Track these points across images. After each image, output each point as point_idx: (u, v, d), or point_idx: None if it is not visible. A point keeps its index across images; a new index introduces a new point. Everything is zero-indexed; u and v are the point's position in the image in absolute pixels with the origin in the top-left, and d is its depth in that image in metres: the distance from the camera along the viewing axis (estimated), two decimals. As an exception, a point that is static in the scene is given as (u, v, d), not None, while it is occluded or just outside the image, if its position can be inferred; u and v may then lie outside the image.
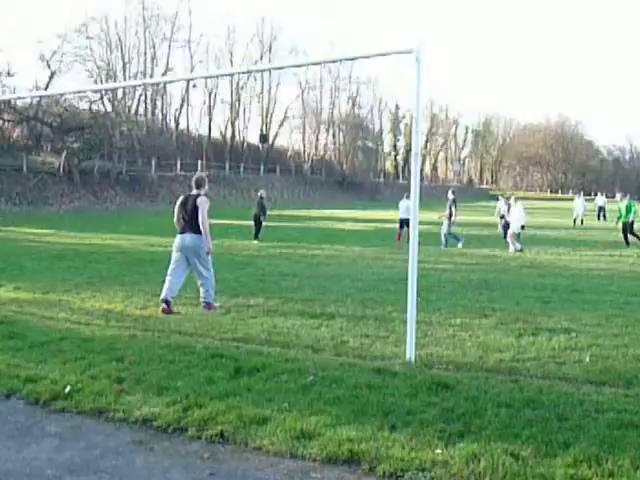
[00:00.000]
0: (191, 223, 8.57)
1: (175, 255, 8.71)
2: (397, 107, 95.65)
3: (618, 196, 23.74)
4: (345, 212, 38.77)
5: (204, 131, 66.81)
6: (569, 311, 8.82)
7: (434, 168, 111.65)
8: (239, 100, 68.93)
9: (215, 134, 67.92)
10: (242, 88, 68.70)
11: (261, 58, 68.69)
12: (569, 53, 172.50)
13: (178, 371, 5.64)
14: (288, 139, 78.16)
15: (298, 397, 4.98)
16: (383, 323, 7.85)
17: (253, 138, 72.15)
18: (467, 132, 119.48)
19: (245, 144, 69.63)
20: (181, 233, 8.69)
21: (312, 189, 66.35)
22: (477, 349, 6.64)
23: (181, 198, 8.91)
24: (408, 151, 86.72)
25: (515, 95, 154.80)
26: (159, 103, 61.35)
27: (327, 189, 68.31)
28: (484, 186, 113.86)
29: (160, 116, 61.86)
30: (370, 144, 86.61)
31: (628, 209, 21.29)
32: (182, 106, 64.27)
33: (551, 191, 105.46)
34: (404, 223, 19.96)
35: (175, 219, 8.75)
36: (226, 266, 13.42)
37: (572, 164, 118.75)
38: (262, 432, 4.32)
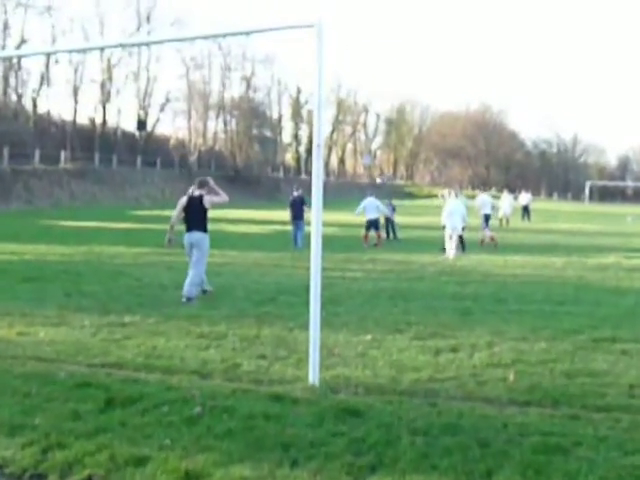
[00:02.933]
0: (198, 221, 10.86)
1: (189, 256, 10.99)
2: (298, 90, 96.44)
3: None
4: (239, 212, 38.64)
5: (69, 116, 64.85)
6: (492, 323, 9.14)
7: (341, 161, 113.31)
8: (111, 79, 67.34)
9: (82, 120, 66.10)
10: (115, 65, 67.25)
11: (138, 30, 67.52)
12: (489, 36, 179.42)
13: (36, 405, 5.44)
14: (171, 126, 77.39)
15: (182, 432, 4.90)
16: (283, 342, 7.87)
17: (129, 125, 70.81)
18: (378, 120, 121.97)
19: (119, 132, 68.16)
20: (189, 231, 10.92)
21: (200, 185, 65.91)
22: (390, 369, 6.77)
23: (184, 199, 11.04)
24: (312, 141, 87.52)
25: (432, 80, 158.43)
26: (12, 81, 59.04)
27: (217, 185, 67.93)
28: (398, 182, 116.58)
29: (14, 97, 59.53)
30: (268, 133, 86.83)
31: None
32: (41, 86, 62.14)
33: (472, 187, 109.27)
34: (372, 224, 21.84)
35: (175, 215, 11.11)
36: (96, 276, 13.07)
37: (495, 157, 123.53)
38: (140, 475, 4.22)
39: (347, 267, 15.75)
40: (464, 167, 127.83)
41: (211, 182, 11.26)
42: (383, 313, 9.80)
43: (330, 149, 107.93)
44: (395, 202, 26.58)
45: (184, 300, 10.53)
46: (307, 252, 6.55)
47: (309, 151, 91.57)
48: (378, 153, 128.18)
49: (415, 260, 17.55)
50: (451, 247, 18.74)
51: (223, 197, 11.24)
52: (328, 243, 18.70)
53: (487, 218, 24.36)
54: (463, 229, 19.32)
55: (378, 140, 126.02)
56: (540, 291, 12.34)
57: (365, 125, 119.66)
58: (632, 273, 15.59)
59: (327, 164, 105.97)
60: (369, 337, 8.14)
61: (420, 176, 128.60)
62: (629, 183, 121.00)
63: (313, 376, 6.22)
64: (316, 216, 6.33)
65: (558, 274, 15.20)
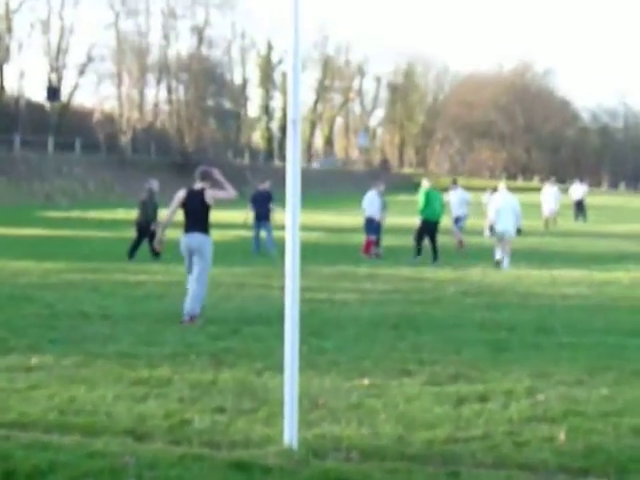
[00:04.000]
0: (198, 221, 11.80)
1: (187, 261, 11.95)
2: (269, 46, 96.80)
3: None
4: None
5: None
6: (534, 362, 9.17)
7: (328, 142, 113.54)
8: (10, 30, 67.20)
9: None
10: (15, 11, 67.10)
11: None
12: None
13: None
14: (94, 95, 77.11)
15: (110, 515, 4.87)
16: (248, 389, 7.86)
17: (36, 93, 70.71)
18: (379, 86, 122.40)
19: (22, 102, 67.92)
20: (187, 232, 11.80)
21: (135, 176, 65.64)
22: (395, 425, 6.75)
23: (182, 193, 11.93)
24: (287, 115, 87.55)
25: (450, 32, 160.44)
26: None
27: (160, 176, 67.61)
28: (407, 170, 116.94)
29: None
30: (228, 105, 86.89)
31: None
32: None
33: (508, 177, 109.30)
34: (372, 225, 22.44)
35: (168, 213, 12.13)
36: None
37: (539, 135, 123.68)
38: None
39: (336, 286, 15.76)
40: (496, 149, 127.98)
41: (216, 173, 12.04)
42: (385, 349, 9.81)
43: (313, 125, 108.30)
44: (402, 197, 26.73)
45: (186, 319, 11.51)
46: (282, 266, 6.55)
47: (284, 129, 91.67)
48: (378, 131, 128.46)
49: (429, 276, 17.59)
50: (503, 255, 19.80)
51: (230, 192, 12.08)
52: (310, 253, 18.74)
53: (457, 219, 24.92)
54: (519, 232, 20.31)
55: (378, 113, 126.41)
56: (600, 318, 12.41)
57: (361, 93, 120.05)
58: None
59: (309, 146, 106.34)
60: (366, 382, 8.14)
61: (435, 162, 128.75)
62: None
63: (290, 436, 6.20)
64: (292, 217, 6.28)
65: (625, 294, 15.26)
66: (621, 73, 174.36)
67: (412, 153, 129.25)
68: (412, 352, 9.63)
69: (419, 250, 20.84)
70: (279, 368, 6.90)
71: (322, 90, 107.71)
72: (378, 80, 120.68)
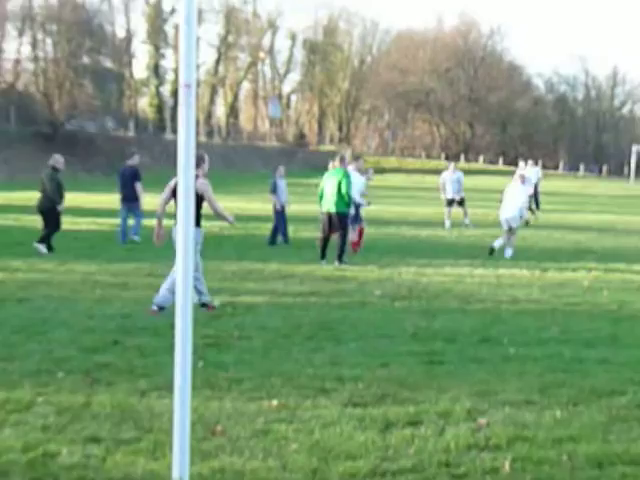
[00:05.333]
0: None
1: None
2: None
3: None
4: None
5: None
6: (476, 378, 9.29)
7: (232, 112, 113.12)
8: None
9: None
10: None
11: None
12: None
13: None
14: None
15: None
16: (129, 414, 7.80)
17: None
18: (294, 45, 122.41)
19: None
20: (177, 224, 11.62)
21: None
22: (309, 455, 6.78)
23: (173, 181, 12.52)
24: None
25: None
26: None
27: (22, 149, 66.68)
28: (327, 147, 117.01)
29: None
30: (109, 64, 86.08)
31: None
32: None
33: (447, 157, 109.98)
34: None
35: (160, 203, 13.18)
36: None
37: (484, 107, 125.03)
38: None
39: (241, 287, 15.73)
40: (434, 123, 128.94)
41: (205, 165, 13.46)
42: (299, 363, 9.82)
43: (214, 91, 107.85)
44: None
45: (154, 309, 12.79)
46: (170, 262, 6.51)
47: (177, 94, 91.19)
48: (293, 99, 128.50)
49: (352, 276, 17.63)
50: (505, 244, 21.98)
51: (229, 220, 13.78)
52: (210, 248, 18.62)
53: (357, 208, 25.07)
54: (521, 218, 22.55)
55: (293, 77, 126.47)
56: (555, 325, 12.57)
57: (272, 52, 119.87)
58: None
59: (209, 116, 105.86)
60: (275, 403, 8.15)
61: (362, 138, 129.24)
62: None
63: (180, 470, 6.14)
64: (184, 203, 6.24)
65: (584, 298, 15.49)
66: (582, 34, 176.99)
67: (334, 127, 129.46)
68: (330, 367, 9.66)
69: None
70: (168, 388, 6.86)
71: (225, 48, 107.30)
72: (293, 37, 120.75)
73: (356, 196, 21.73)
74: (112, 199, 28.72)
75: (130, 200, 22.31)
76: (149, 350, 10.32)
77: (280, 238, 23.90)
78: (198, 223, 12.62)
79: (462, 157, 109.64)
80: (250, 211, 33.21)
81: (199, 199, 12.60)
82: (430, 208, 38.89)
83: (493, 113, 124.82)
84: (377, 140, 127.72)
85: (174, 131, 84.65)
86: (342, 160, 20.12)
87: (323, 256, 19.72)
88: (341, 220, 19.50)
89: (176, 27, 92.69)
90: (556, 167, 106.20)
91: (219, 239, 22.72)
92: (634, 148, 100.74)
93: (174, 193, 12.20)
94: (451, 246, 22.18)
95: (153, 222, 13.82)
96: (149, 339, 10.95)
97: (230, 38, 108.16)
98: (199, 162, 12.66)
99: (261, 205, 33.58)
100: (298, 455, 6.80)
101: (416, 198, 51.46)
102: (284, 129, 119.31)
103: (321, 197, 19.82)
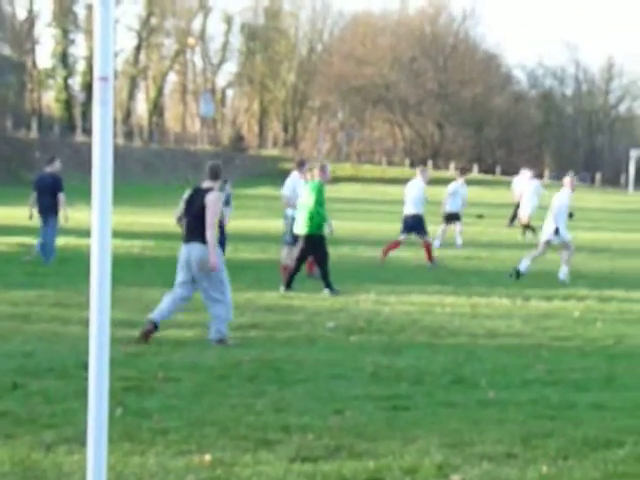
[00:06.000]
0: (198, 229, 13.62)
1: (180, 274, 14.15)
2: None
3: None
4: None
5: None
6: (448, 427, 9.20)
7: (156, 110, 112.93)
8: None
9: None
10: None
11: None
12: None
13: None
14: None
15: None
16: (32, 472, 7.61)
17: None
18: (229, 30, 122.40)
19: None
20: (186, 242, 13.86)
21: None
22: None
23: (188, 192, 14.04)
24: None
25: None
26: None
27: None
28: (270, 151, 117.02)
29: None
30: (7, 50, 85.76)
31: None
32: None
33: (412, 164, 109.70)
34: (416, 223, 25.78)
35: (175, 219, 14.45)
36: None
37: (456, 105, 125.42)
38: None
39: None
40: (396, 123, 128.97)
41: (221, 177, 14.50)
42: (237, 410, 9.75)
43: (134, 84, 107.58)
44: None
45: (213, 343, 13.86)
46: (86, 289, 6.45)
47: (89, 88, 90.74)
48: (229, 94, 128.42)
49: (300, 305, 17.70)
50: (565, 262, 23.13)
51: (210, 221, 13.83)
52: (130, 271, 18.51)
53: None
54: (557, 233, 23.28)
55: (229, 68, 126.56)
56: (540, 364, 12.61)
57: (203, 38, 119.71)
58: None
59: (128, 114, 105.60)
60: (208, 458, 7.98)
61: (311, 140, 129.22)
62: None
63: None
64: (100, 218, 6.20)
65: (575, 331, 15.62)
66: (571, 19, 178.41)
67: (278, 127, 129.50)
68: (274, 414, 9.54)
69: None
70: (79, 441, 6.80)
71: (147, 33, 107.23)
72: (229, 21, 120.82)
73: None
74: (12, 213, 28.58)
75: (48, 212, 22.11)
76: (56, 395, 10.08)
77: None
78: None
79: (430, 164, 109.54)
80: (177, 228, 33.00)
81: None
82: (392, 225, 38.95)
83: (466, 112, 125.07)
84: (329, 143, 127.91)
85: (86, 132, 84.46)
86: (323, 170, 20.42)
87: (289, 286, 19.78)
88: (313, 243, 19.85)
89: (89, 8, 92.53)
90: (541, 175, 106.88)
91: (140, 261, 22.64)
92: (632, 153, 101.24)
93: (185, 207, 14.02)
94: (417, 270, 22.24)
95: (68, 241, 13.76)
96: (56, 382, 10.73)
97: (153, 21, 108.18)
98: (217, 174, 14.05)
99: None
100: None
101: (375, 212, 51.82)
102: (218, 130, 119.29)
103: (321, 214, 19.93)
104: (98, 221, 6.15)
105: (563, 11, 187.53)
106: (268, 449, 8.39)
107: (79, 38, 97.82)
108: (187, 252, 13.75)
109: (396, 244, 26.31)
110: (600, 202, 74.92)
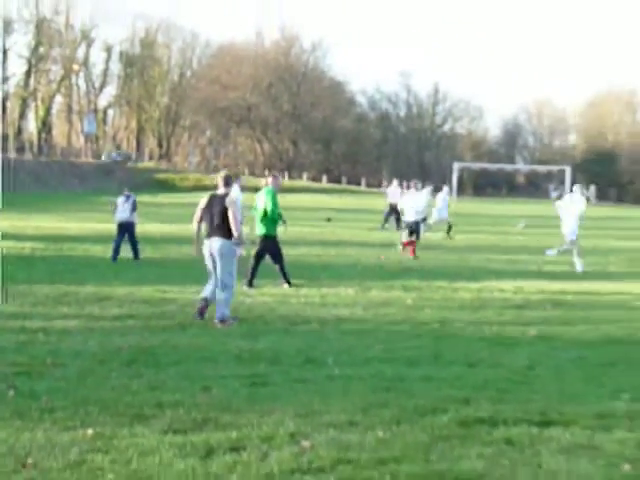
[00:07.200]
0: (219, 227, 15.02)
1: (209, 263, 15.30)
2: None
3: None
4: None
5: None
6: (300, 400, 9.37)
7: (45, 128, 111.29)
8: None
9: None
10: None
11: None
12: None
13: None
14: None
15: None
16: None
17: None
18: (109, 57, 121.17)
19: None
20: (208, 237, 15.23)
21: None
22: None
23: (206, 198, 15.43)
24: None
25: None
26: None
27: None
28: (147, 164, 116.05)
29: None
30: None
31: None
32: None
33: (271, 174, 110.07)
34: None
35: (195, 219, 15.53)
36: None
37: (308, 124, 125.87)
38: None
39: (54, 311, 15.42)
40: (257, 140, 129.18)
41: (243, 180, 14.59)
42: (116, 390, 9.74)
43: (24, 105, 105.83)
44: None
45: (216, 322, 14.73)
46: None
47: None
48: (110, 114, 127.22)
49: (173, 297, 17.63)
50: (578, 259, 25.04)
51: (236, 219, 15.19)
52: (21, 269, 18.24)
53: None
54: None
55: (110, 91, 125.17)
56: (377, 344, 12.83)
57: (87, 64, 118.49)
58: (522, 311, 16.63)
59: (19, 131, 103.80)
60: (90, 432, 7.99)
61: (183, 155, 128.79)
62: (520, 166, 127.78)
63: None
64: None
65: (407, 315, 15.92)
66: (404, 50, 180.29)
67: (153, 143, 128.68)
68: (150, 393, 9.61)
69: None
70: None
71: (36, 60, 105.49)
72: (109, 50, 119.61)
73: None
74: None
75: None
76: None
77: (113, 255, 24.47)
78: (229, 237, 15.00)
79: (286, 175, 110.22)
80: (66, 231, 32.70)
81: (226, 214, 14.97)
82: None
83: (316, 130, 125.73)
84: (199, 157, 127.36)
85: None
86: (275, 178, 20.86)
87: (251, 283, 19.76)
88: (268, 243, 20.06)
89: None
90: (379, 185, 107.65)
91: (31, 260, 22.29)
92: (455, 165, 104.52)
93: (205, 209, 15.28)
94: (271, 265, 22.24)
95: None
96: None
97: (41, 49, 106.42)
98: (229, 182, 15.61)
99: (78, 224, 33.13)
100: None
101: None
102: (100, 145, 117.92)
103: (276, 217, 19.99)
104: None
105: (398, 43, 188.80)
106: (143, 423, 8.43)
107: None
108: (209, 245, 15.14)
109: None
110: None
